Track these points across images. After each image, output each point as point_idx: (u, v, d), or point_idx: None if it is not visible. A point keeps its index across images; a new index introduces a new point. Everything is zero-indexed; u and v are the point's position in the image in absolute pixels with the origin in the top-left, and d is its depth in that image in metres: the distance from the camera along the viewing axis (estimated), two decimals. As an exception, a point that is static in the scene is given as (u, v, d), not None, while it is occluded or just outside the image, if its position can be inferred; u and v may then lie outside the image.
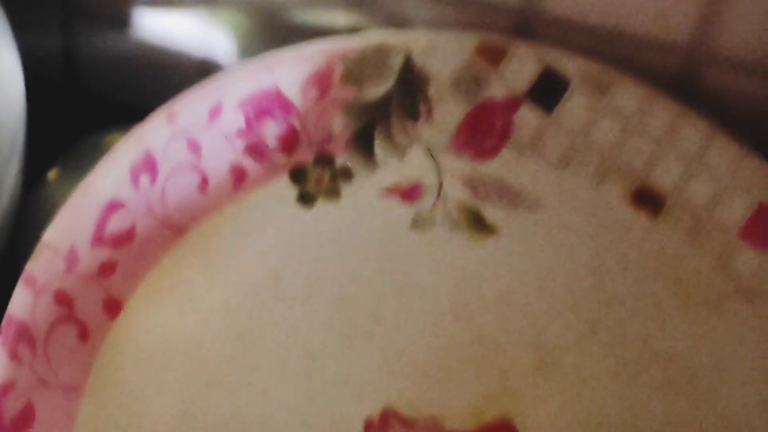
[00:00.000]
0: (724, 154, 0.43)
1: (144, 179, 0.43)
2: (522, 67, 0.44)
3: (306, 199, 0.45)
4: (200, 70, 0.51)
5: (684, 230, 0.44)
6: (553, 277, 0.44)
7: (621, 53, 0.45)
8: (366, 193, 0.45)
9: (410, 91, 0.44)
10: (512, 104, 0.44)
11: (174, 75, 0.52)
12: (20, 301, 0.42)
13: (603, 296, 0.44)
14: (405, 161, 0.45)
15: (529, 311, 0.44)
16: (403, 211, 0.45)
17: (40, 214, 0.50)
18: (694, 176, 0.44)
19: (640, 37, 0.45)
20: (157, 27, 0.51)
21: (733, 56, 0.44)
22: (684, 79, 0.45)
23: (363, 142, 0.45)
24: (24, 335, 0.42)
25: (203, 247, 0.44)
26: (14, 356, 0.42)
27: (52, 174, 0.51)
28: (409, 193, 0.45)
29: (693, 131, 0.44)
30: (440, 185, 0.45)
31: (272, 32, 0.49)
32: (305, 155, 0.45)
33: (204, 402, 0.43)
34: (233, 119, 0.44)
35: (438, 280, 0.44)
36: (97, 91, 0.55)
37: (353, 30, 0.47)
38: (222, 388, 0.44)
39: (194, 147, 0.43)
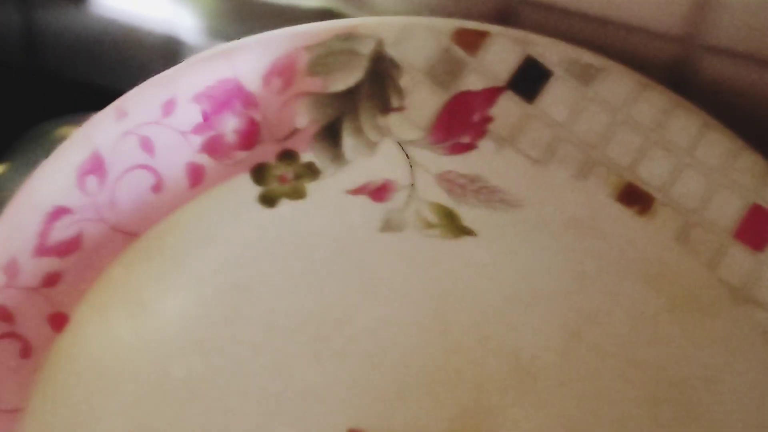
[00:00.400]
0: (716, 149, 0.41)
1: (91, 182, 0.40)
2: (502, 54, 0.41)
3: (268, 198, 0.42)
4: (165, 48, 0.47)
5: (673, 230, 0.41)
6: (534, 282, 0.42)
7: (609, 41, 0.43)
8: (333, 192, 0.42)
9: (381, 81, 0.41)
10: (491, 94, 0.41)
11: (138, 54, 0.49)
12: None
13: (586, 302, 0.42)
14: (375, 157, 0.42)
15: (508, 319, 0.42)
16: (373, 212, 0.42)
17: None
18: (684, 172, 0.41)
19: (630, 24, 0.42)
20: (121, 2, 0.48)
21: (726, 44, 0.42)
22: (675, 68, 0.43)
23: (330, 137, 0.42)
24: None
25: (157, 252, 0.41)
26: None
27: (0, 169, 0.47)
28: (380, 191, 0.42)
29: (684, 124, 0.41)
30: (413, 183, 0.41)
31: (240, 10, 0.45)
32: (267, 151, 0.42)
33: (158, 422, 0.41)
34: (188, 114, 0.41)
35: (410, 286, 0.42)
36: (58, 72, 0.51)
37: (323, 14, 0.43)
38: (178, 405, 0.41)
39: (147, 145, 0.40)
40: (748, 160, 0.41)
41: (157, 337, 0.41)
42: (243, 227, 0.42)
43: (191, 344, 0.41)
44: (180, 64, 0.40)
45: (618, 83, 0.41)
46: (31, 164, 0.45)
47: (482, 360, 0.41)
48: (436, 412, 0.40)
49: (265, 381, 0.41)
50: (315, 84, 0.41)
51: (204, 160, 0.41)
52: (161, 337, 0.41)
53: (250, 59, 0.40)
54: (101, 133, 0.40)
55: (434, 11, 0.43)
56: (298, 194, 0.41)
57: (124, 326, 0.41)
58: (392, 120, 0.42)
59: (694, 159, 0.41)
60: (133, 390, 0.41)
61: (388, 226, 0.42)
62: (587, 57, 0.41)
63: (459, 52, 0.41)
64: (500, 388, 0.41)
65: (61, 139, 0.41)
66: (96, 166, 0.40)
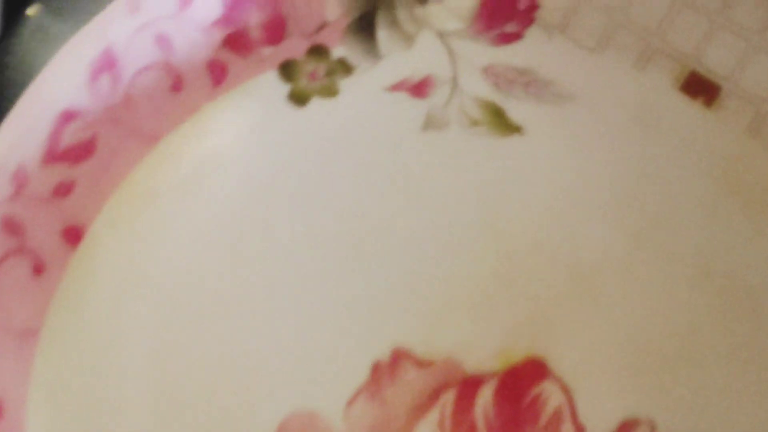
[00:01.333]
0: (791, 32, 0.37)
1: (105, 81, 0.37)
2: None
3: (298, 96, 0.39)
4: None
5: (743, 122, 0.38)
6: (590, 184, 0.39)
7: None
8: (368, 89, 0.39)
9: (418, -35, 0.37)
10: (539, -24, 0.37)
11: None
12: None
13: (650, 204, 0.38)
14: (413, 51, 0.39)
15: (564, 225, 0.38)
16: (412, 109, 0.39)
17: (16, 62, 0.43)
18: (755, 58, 0.38)
19: None
20: None
21: None
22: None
23: (362, 31, 0.39)
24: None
25: (178, 158, 0.38)
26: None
27: (32, 11, 0.43)
28: (420, 87, 0.39)
29: (754, 4, 0.37)
30: (455, 77, 0.38)
31: None
32: (295, 47, 0.39)
33: (182, 342, 0.38)
34: (208, 6, 0.38)
35: (455, 190, 0.39)
36: None
37: None
38: (206, 321, 0.38)
39: (163, 41, 0.36)
40: None
41: (183, 247, 0.38)
42: (272, 128, 0.39)
43: (220, 255, 0.38)
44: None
45: (677, -39, 0.37)
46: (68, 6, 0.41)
47: (536, 269, 0.38)
48: (486, 327, 0.37)
49: (301, 294, 0.38)
50: (345, -28, 0.37)
51: (227, 56, 0.38)
52: (187, 247, 0.38)
53: None
54: (113, 28, 0.37)
55: None
56: (330, 92, 0.38)
57: (145, 238, 0.38)
58: (431, 10, 0.39)
59: (766, 42, 0.37)
60: (157, 306, 0.38)
61: (430, 123, 0.38)
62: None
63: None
64: (556, 300, 0.38)
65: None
66: (109, 64, 0.37)
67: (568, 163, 0.38)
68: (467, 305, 0.38)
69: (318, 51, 0.38)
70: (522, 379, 0.37)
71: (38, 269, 0.37)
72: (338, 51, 0.39)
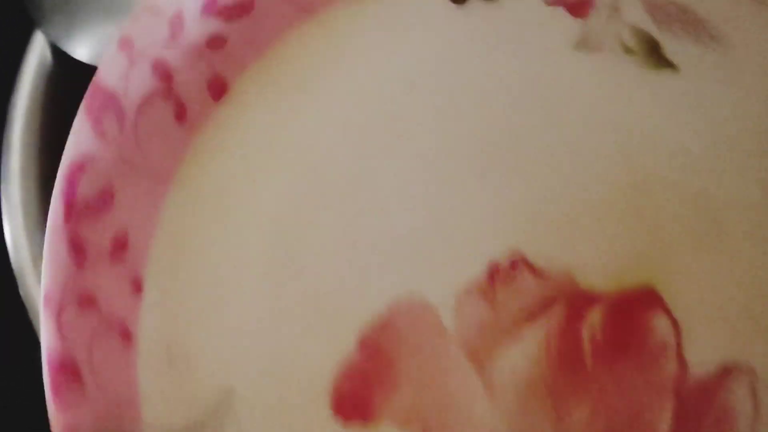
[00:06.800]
0: None
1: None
2: None
3: (460, -6, 0.37)
4: None
5: None
6: (735, 130, 0.38)
7: None
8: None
9: None
10: None
11: None
12: (111, 66, 0.36)
13: None
14: (579, -32, 0.37)
15: (700, 165, 0.38)
16: (568, 27, 0.39)
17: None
18: None
19: None
20: None
21: None
22: None
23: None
24: (112, 106, 0.36)
25: (332, 33, 0.37)
26: (98, 129, 0.35)
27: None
28: (579, 6, 0.39)
29: None
30: (616, 2, 0.38)
31: None
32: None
33: (305, 217, 0.38)
34: None
35: (597, 112, 0.38)
36: None
37: None
38: (330, 204, 0.38)
39: None
40: None
41: (319, 124, 0.38)
42: (429, 22, 0.38)
43: (353, 138, 0.38)
44: None
45: None
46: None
47: (664, 202, 0.38)
48: (607, 249, 0.37)
49: (427, 191, 0.38)
50: None
51: None
52: (325, 124, 0.38)
53: None
54: None
55: None
56: (492, -6, 0.38)
57: (283, 109, 0.38)
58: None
59: None
60: (284, 180, 0.38)
61: (584, 44, 0.38)
62: None
63: None
64: (681, 233, 0.37)
65: None
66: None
67: (714, 107, 0.38)
68: (591, 226, 0.37)
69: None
70: (634, 306, 0.37)
71: (180, 116, 0.37)
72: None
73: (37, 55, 0.45)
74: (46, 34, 0.44)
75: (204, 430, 0.36)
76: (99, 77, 0.36)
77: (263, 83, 0.37)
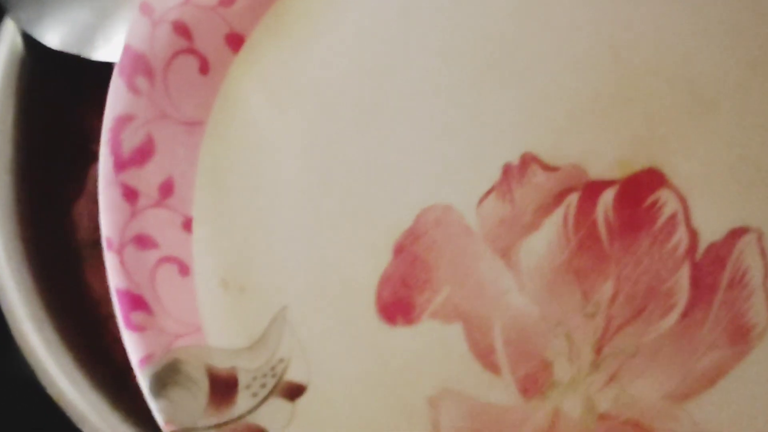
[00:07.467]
0: None
1: None
2: None
3: None
4: None
5: None
6: (711, 13, 0.40)
7: None
8: None
9: None
10: None
11: None
12: (137, 30, 0.39)
13: (762, 35, 0.40)
14: None
15: (683, 50, 0.41)
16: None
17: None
18: None
19: None
20: None
21: None
22: None
23: None
24: (142, 66, 0.39)
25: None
26: (132, 87, 0.39)
27: None
28: None
29: None
30: None
31: None
32: None
33: (332, 142, 0.41)
34: None
35: (578, 11, 0.41)
36: None
37: None
38: (351, 127, 0.41)
39: None
40: None
41: (334, 56, 0.41)
42: None
43: (366, 64, 0.41)
44: None
45: None
46: None
47: (655, 90, 0.40)
48: (608, 139, 0.40)
49: (439, 105, 0.41)
50: None
51: None
52: (338, 56, 0.41)
53: None
54: None
55: None
56: None
57: (298, 52, 0.41)
58: None
59: None
60: (306, 112, 0.41)
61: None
62: None
63: None
64: (674, 117, 0.40)
65: None
66: None
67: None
68: (589, 119, 0.40)
69: None
70: (641, 187, 0.40)
71: (204, 69, 0.40)
72: None
73: (7, 41, 0.46)
74: (16, 21, 0.45)
75: (265, 348, 0.40)
76: (128, 41, 0.39)
77: (276, 30, 0.41)
